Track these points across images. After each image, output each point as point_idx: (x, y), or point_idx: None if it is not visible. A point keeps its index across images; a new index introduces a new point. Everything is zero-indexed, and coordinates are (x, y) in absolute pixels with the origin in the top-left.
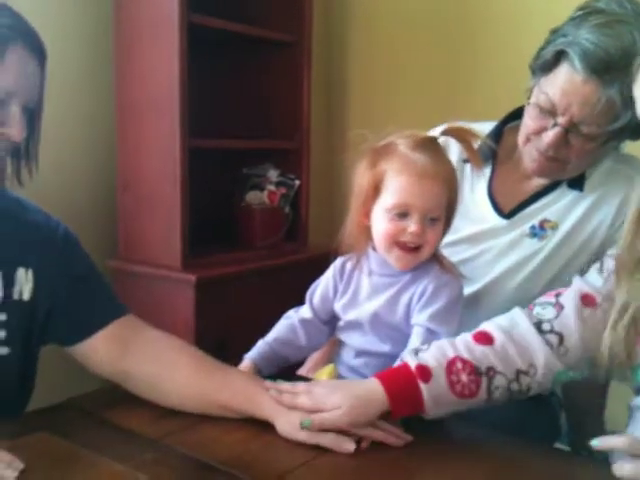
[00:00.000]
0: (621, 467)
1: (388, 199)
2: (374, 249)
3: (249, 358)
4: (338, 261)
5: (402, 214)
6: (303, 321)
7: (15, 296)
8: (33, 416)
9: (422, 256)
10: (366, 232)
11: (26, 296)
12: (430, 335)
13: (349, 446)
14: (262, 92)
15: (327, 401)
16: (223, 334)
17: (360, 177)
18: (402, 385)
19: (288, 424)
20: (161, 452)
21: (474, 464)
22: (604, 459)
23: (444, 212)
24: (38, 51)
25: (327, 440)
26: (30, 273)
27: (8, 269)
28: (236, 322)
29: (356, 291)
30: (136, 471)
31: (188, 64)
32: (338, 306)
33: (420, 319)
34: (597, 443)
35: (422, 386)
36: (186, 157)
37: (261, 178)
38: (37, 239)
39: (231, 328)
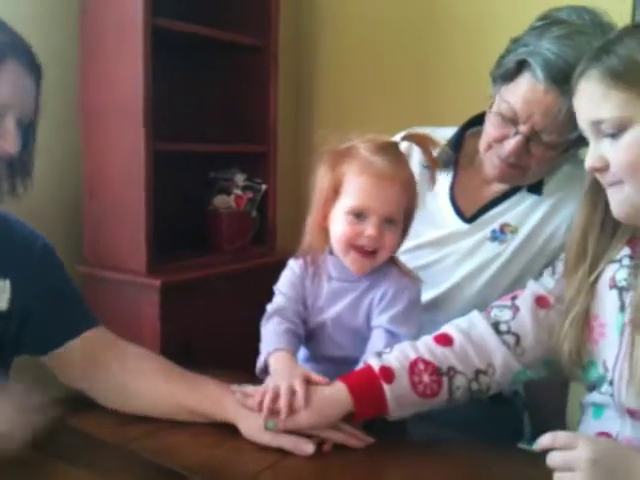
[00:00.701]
0: (553, 457)
1: (347, 201)
2: (332, 253)
3: (278, 350)
4: (295, 265)
5: (360, 216)
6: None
7: None
8: None
9: (378, 260)
10: (325, 234)
11: (3, 306)
12: (390, 337)
13: (309, 448)
14: (230, 96)
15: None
16: (189, 339)
17: (320, 179)
18: (366, 386)
19: (252, 427)
20: (125, 458)
21: (437, 465)
22: None
23: (402, 216)
24: (34, 68)
25: (288, 442)
26: (7, 283)
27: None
28: (203, 326)
29: (317, 297)
30: (101, 478)
31: (154, 68)
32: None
33: (380, 321)
34: (535, 447)
35: (385, 387)
36: (151, 161)
37: (228, 182)
38: (16, 249)
39: (197, 332)
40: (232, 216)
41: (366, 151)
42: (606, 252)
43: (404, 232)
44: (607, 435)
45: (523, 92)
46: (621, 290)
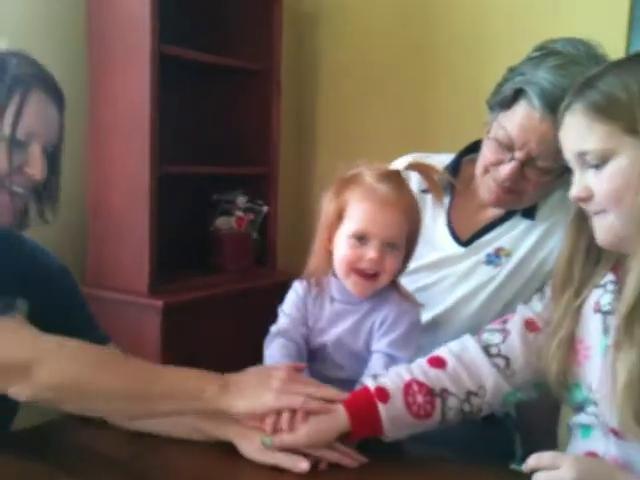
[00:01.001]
0: (538, 478)
1: (350, 225)
2: (335, 276)
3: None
4: (300, 286)
5: (362, 239)
6: (286, 331)
7: None
8: (5, 439)
9: (379, 284)
10: (329, 257)
11: None
12: (390, 360)
13: (304, 465)
14: (233, 119)
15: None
16: (191, 359)
17: (326, 204)
18: (362, 405)
19: (250, 445)
20: (125, 474)
21: None
22: None
23: (404, 241)
24: (57, 97)
25: (285, 460)
26: (25, 303)
27: (9, 299)
28: (204, 347)
29: (318, 318)
30: None
31: (159, 92)
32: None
33: (380, 346)
34: (523, 468)
35: (380, 406)
36: (155, 183)
37: (230, 204)
38: (34, 271)
39: (199, 353)
40: (233, 237)
41: (370, 178)
42: (591, 278)
43: (407, 257)
44: (594, 454)
45: (520, 119)
46: (605, 314)
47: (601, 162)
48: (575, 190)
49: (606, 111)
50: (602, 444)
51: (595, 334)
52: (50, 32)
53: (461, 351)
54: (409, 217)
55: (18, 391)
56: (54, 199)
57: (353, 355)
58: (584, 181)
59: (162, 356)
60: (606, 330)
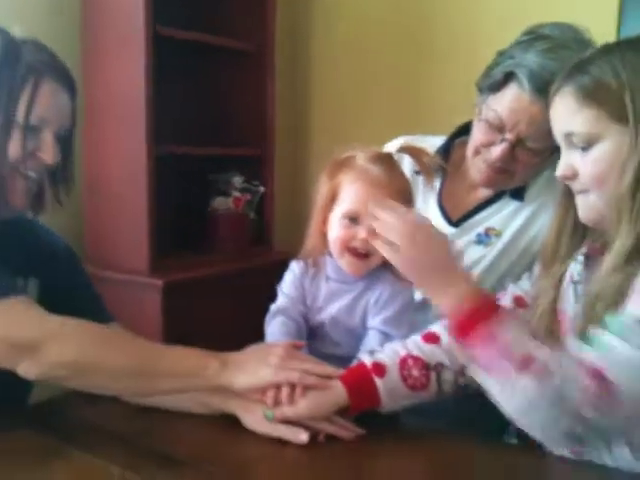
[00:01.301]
0: None
1: (342, 206)
2: (330, 256)
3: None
4: (296, 266)
5: (354, 219)
6: (285, 309)
7: None
8: (18, 414)
9: (372, 263)
10: (324, 238)
11: None
12: (384, 338)
13: (304, 437)
14: (228, 100)
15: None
16: (191, 337)
17: (321, 187)
18: (360, 380)
19: (253, 417)
20: (133, 447)
21: (423, 455)
22: (548, 450)
23: None
24: (69, 85)
25: (285, 432)
26: (35, 282)
27: (21, 280)
28: (204, 325)
29: (315, 297)
30: (110, 464)
31: (154, 73)
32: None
33: (375, 323)
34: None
35: (377, 381)
36: (152, 164)
37: (226, 185)
38: (42, 251)
39: (199, 331)
40: (230, 217)
41: (362, 161)
42: (576, 252)
43: None
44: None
45: (509, 102)
46: (575, 284)
47: (587, 145)
48: (561, 168)
49: (595, 96)
50: None
51: (570, 304)
52: (44, 15)
53: None
54: (401, 199)
55: (27, 369)
56: (68, 181)
57: (349, 332)
58: (570, 160)
59: (163, 334)
60: (577, 299)
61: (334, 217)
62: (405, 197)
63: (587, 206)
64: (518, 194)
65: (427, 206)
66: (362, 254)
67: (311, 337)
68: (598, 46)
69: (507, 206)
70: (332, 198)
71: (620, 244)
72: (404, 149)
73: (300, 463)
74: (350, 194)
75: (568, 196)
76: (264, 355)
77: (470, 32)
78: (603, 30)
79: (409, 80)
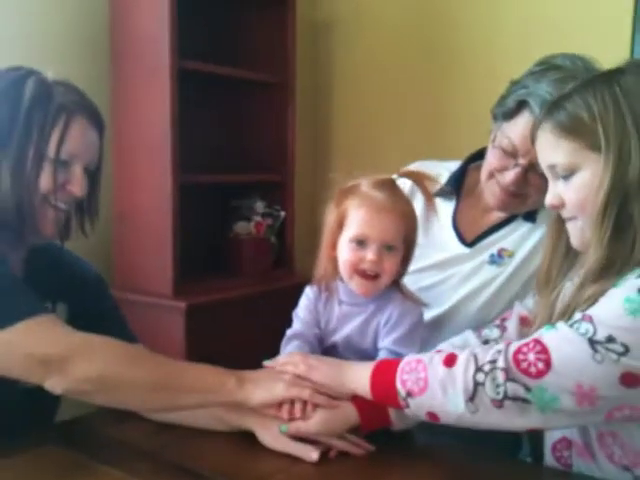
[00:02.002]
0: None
1: (349, 231)
2: (342, 280)
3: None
4: (310, 291)
5: (361, 243)
6: (300, 333)
7: None
8: (43, 432)
9: (381, 284)
10: (334, 263)
11: None
12: (395, 357)
13: (315, 455)
14: (250, 129)
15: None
16: (213, 358)
17: (328, 215)
18: (370, 402)
19: (268, 434)
20: (156, 462)
21: (436, 473)
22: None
23: (401, 243)
24: (98, 123)
25: (297, 449)
26: (65, 307)
27: (51, 302)
28: (226, 346)
29: (329, 320)
30: (134, 478)
31: (179, 106)
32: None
33: (386, 343)
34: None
35: None
36: (177, 192)
37: (249, 210)
38: (73, 277)
39: (221, 353)
40: (252, 241)
41: (366, 187)
42: (569, 274)
43: (407, 260)
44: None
45: (522, 129)
46: None
47: (569, 174)
48: (549, 198)
49: (571, 130)
50: None
51: None
52: (74, 57)
53: (463, 345)
54: (405, 221)
55: (54, 384)
56: (94, 214)
57: (361, 353)
58: (557, 190)
59: (186, 355)
60: None
61: (342, 242)
62: (409, 220)
63: (577, 232)
64: (530, 216)
65: (441, 227)
66: (371, 275)
67: None
68: (573, 85)
69: (520, 228)
70: (340, 224)
71: (589, 262)
72: (404, 174)
73: (311, 478)
74: (356, 219)
75: (560, 223)
76: (277, 373)
77: (491, 50)
78: (616, 56)
79: (431, 108)
